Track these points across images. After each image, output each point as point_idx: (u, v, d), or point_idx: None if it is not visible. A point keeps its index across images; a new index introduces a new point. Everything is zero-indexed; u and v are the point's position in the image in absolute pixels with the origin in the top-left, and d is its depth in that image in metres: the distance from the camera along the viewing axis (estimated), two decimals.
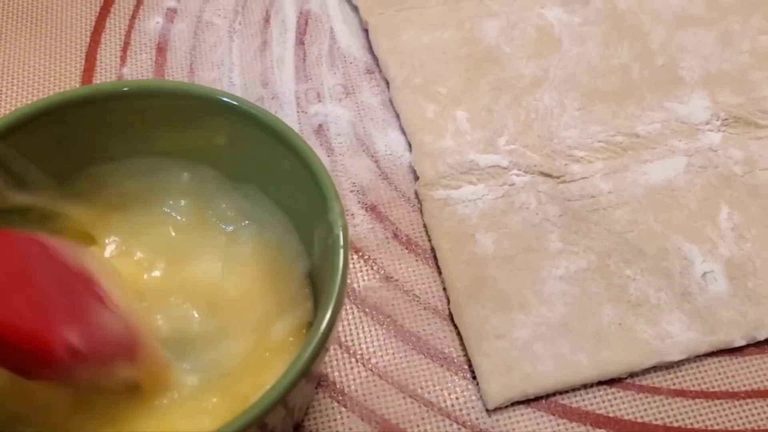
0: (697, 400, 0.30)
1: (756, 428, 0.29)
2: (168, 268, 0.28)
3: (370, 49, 0.40)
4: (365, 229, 0.34)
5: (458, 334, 0.31)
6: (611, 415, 0.29)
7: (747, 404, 0.30)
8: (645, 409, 0.30)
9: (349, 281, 0.32)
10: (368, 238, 0.34)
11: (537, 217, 0.34)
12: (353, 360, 0.30)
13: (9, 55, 0.39)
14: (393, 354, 0.30)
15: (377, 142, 0.37)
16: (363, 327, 0.31)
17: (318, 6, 0.42)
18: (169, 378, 0.25)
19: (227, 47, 0.40)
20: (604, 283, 0.32)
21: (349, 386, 0.29)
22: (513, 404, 0.29)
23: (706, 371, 0.31)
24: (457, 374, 0.30)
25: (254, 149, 0.27)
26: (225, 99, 0.26)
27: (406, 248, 0.33)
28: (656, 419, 0.29)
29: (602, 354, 0.30)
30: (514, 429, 0.29)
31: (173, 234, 0.29)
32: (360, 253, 0.33)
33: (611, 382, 0.30)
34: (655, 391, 0.30)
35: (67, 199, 0.27)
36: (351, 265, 0.32)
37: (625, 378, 0.30)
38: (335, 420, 0.29)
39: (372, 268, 0.33)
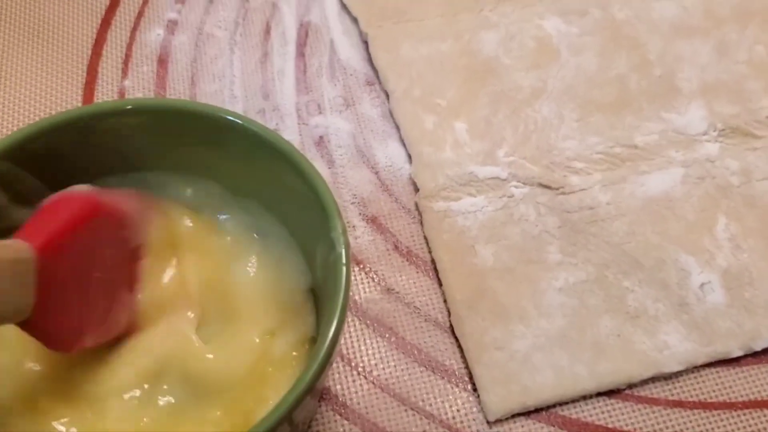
0: (696, 411, 0.30)
1: None
2: (170, 282, 0.28)
3: (370, 61, 0.40)
4: (366, 241, 0.34)
5: (459, 345, 0.31)
6: (610, 426, 0.30)
7: (745, 414, 0.30)
8: (644, 420, 0.30)
9: (350, 294, 0.32)
10: (369, 249, 0.34)
11: (536, 228, 0.34)
12: (355, 373, 0.30)
13: (10, 69, 0.39)
14: (394, 366, 0.31)
15: (377, 154, 0.37)
16: (364, 339, 0.31)
17: (318, 18, 0.42)
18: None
19: (228, 59, 0.40)
20: (602, 294, 0.32)
21: (351, 399, 0.30)
22: (513, 416, 0.30)
23: (704, 382, 0.31)
24: (457, 386, 0.30)
25: (258, 167, 0.27)
26: (229, 117, 0.26)
27: (407, 260, 0.34)
28: (655, 430, 0.30)
29: (601, 365, 0.31)
30: None
31: (176, 247, 0.29)
32: (361, 265, 0.33)
33: (610, 393, 0.31)
34: (653, 402, 0.30)
35: None
36: (352, 278, 0.33)
37: (624, 389, 0.31)
38: None
39: (373, 280, 0.33)
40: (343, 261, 0.23)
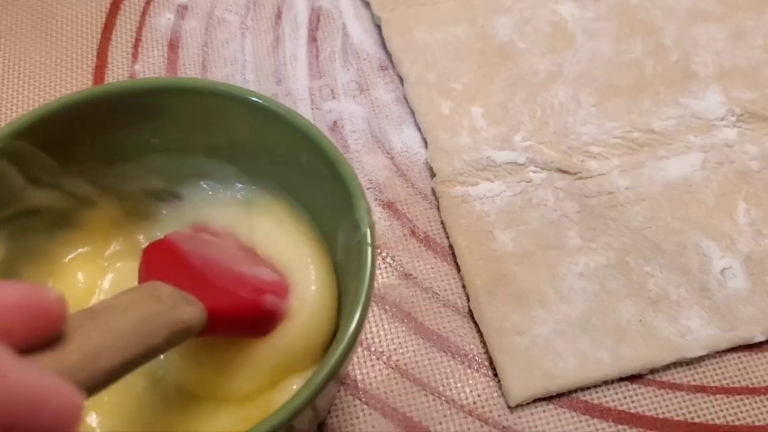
0: (718, 396, 0.30)
1: None
2: None
3: (383, 45, 0.40)
4: (383, 226, 0.34)
5: (478, 331, 0.31)
6: (633, 411, 0.29)
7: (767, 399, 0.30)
8: (666, 405, 0.30)
9: None
10: (386, 235, 0.33)
11: (555, 213, 0.34)
12: (374, 358, 0.30)
13: (20, 54, 0.38)
14: (414, 351, 0.30)
15: (392, 139, 0.37)
16: (383, 325, 0.31)
17: (329, 2, 0.42)
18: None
19: (239, 44, 0.40)
20: (623, 279, 0.32)
21: (370, 384, 0.29)
22: (535, 401, 0.29)
23: (726, 367, 0.31)
24: (478, 371, 0.30)
25: (276, 146, 0.27)
26: (249, 97, 0.26)
27: (424, 245, 0.33)
28: (677, 415, 0.29)
29: (623, 350, 0.30)
30: (536, 425, 0.29)
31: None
32: (378, 251, 0.33)
33: (632, 378, 0.30)
34: (676, 387, 0.30)
35: (89, 195, 0.27)
36: None
37: (646, 374, 0.30)
38: (358, 418, 0.28)
39: (390, 266, 0.32)
40: (368, 241, 0.23)
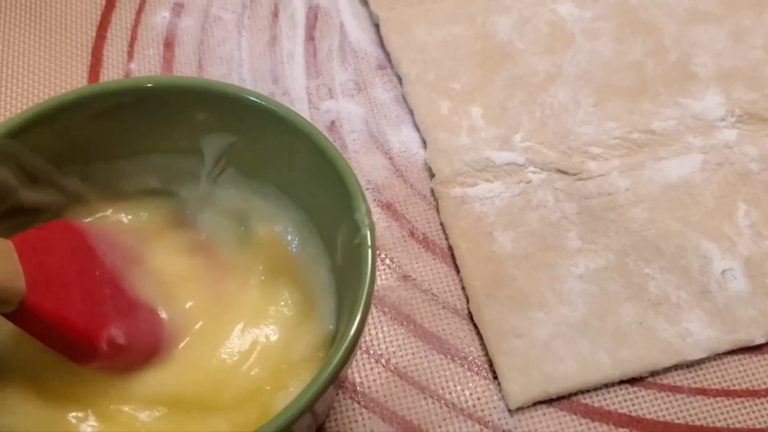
0: (719, 399, 0.30)
1: None
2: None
3: (382, 44, 0.40)
4: (381, 227, 0.33)
5: (478, 333, 0.31)
6: (633, 414, 0.29)
7: None
8: (667, 408, 0.29)
9: None
10: (385, 236, 0.33)
11: (555, 214, 0.34)
12: (373, 360, 0.30)
13: (14, 52, 0.38)
14: (413, 354, 0.30)
15: (391, 139, 0.36)
16: (382, 327, 0.31)
17: (327, 0, 0.41)
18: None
19: (236, 42, 0.39)
20: (623, 281, 0.32)
21: (369, 387, 0.29)
22: (535, 404, 0.29)
23: (726, 369, 0.30)
24: (478, 374, 0.30)
25: (274, 147, 0.26)
26: (247, 96, 0.25)
27: (424, 246, 0.33)
28: (678, 418, 0.29)
29: (623, 353, 0.30)
30: (536, 429, 0.29)
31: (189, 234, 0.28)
32: (377, 252, 0.33)
33: (632, 381, 0.30)
34: (676, 389, 0.30)
35: (85, 194, 0.27)
36: None
37: (646, 377, 0.30)
38: (356, 422, 0.28)
39: (389, 267, 0.32)
40: (368, 243, 0.23)
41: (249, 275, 0.27)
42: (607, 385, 0.30)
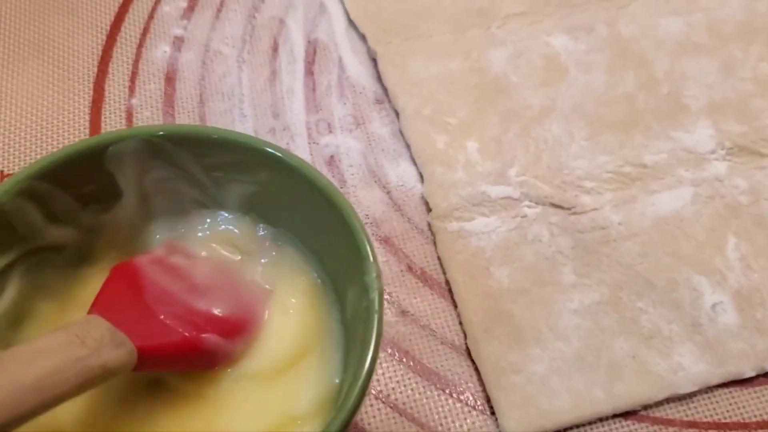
0: (710, 431, 0.31)
1: None
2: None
3: (379, 79, 0.40)
4: (380, 262, 0.34)
5: (476, 368, 0.31)
6: None
7: None
8: None
9: None
10: (384, 271, 0.34)
11: (550, 249, 0.34)
12: (372, 397, 0.30)
13: (17, 86, 0.38)
14: (412, 390, 0.31)
15: (389, 174, 0.37)
16: (381, 363, 0.31)
17: (326, 35, 0.42)
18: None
19: (237, 77, 0.40)
20: (616, 316, 0.33)
21: (369, 423, 0.30)
22: None
23: (718, 402, 0.31)
24: (475, 409, 0.30)
25: (293, 199, 0.27)
26: (268, 150, 0.26)
27: (421, 281, 0.34)
28: None
29: (617, 387, 0.31)
30: None
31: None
32: None
33: (626, 414, 0.31)
34: (668, 422, 0.31)
35: (104, 235, 0.28)
36: None
37: (640, 410, 0.31)
38: None
39: (388, 302, 0.33)
40: (376, 308, 0.23)
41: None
42: (601, 419, 0.31)
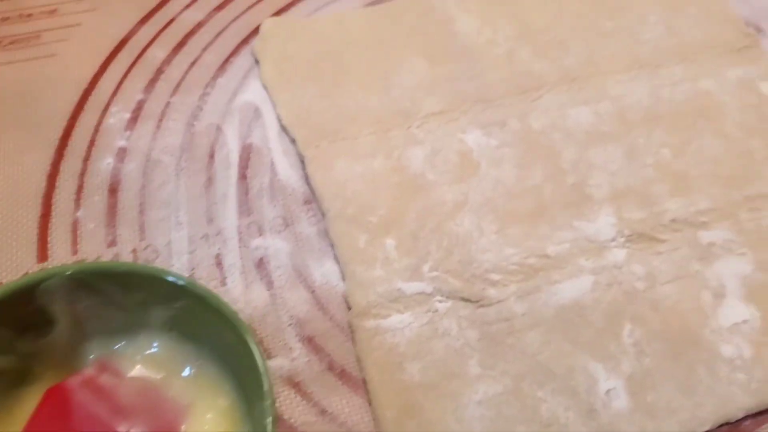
0: None
1: None
2: None
3: (308, 180, 0.44)
4: (302, 362, 0.37)
5: None
6: None
7: None
8: None
9: (287, 417, 0.35)
10: (305, 371, 0.37)
11: (458, 342, 0.37)
12: None
13: None
14: None
15: (314, 273, 0.40)
16: None
17: (259, 139, 0.45)
18: None
19: (174, 185, 0.43)
20: (518, 405, 0.35)
21: None
22: None
23: None
24: None
25: (207, 323, 0.31)
26: (169, 279, 0.30)
27: (341, 380, 0.36)
28: None
29: None
30: None
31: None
32: (297, 388, 0.36)
33: None
34: None
35: (41, 358, 0.31)
36: (289, 401, 0.36)
37: None
38: None
39: (309, 403, 0.36)
40: None
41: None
42: None
